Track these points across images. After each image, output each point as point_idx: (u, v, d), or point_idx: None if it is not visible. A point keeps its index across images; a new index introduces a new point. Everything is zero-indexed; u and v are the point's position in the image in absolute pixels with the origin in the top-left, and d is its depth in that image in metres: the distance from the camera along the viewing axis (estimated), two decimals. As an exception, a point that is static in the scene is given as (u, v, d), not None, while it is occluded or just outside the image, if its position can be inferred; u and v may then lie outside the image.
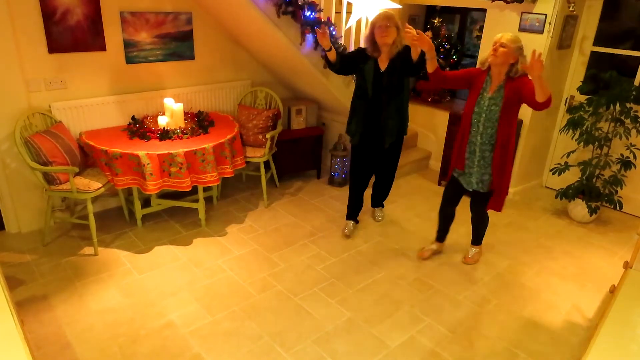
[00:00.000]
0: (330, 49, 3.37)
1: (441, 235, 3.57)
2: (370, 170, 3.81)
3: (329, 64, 3.48)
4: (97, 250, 3.37)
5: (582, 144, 4.01)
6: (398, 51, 3.36)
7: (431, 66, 3.04)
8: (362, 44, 4.20)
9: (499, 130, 2.95)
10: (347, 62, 3.48)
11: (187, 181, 3.40)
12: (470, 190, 3.20)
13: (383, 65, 3.39)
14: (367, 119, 3.52)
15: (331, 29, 3.84)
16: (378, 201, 4.10)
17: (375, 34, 3.29)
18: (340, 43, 3.95)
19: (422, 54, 3.10)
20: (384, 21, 3.25)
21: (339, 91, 4.25)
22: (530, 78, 2.79)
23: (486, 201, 3.21)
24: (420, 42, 2.91)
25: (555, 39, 4.05)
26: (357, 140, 3.59)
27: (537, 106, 2.82)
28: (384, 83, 3.40)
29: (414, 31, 2.93)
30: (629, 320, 1.85)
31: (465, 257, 3.54)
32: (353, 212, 3.86)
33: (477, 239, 3.52)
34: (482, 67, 3.01)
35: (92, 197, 3.28)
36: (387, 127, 3.50)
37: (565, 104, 4.58)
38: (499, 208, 3.21)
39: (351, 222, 3.86)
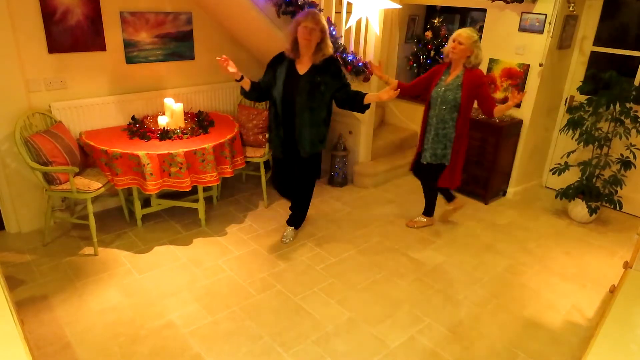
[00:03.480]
0: (241, 79, 3.17)
1: (429, 209, 3.94)
2: (292, 180, 3.53)
3: (244, 94, 3.30)
4: (97, 250, 3.37)
5: (582, 144, 4.01)
6: (325, 59, 3.12)
7: (391, 88, 3.32)
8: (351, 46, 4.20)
9: (460, 113, 3.38)
10: (264, 86, 3.27)
11: (187, 181, 3.40)
12: (425, 163, 3.61)
13: (302, 69, 3.14)
14: (282, 126, 3.25)
15: (331, 28, 3.84)
16: (291, 220, 3.73)
17: (298, 33, 3.04)
18: (341, 43, 3.95)
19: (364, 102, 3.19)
20: (310, 23, 2.99)
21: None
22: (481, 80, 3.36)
23: (435, 174, 3.62)
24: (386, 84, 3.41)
25: (555, 39, 4.05)
26: (280, 152, 3.35)
27: (487, 114, 3.40)
28: (300, 87, 3.11)
29: (375, 66, 3.46)
30: (629, 320, 1.84)
31: (410, 220, 3.98)
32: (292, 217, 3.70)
33: (426, 210, 3.94)
34: (447, 60, 3.43)
35: (92, 197, 3.28)
36: (302, 136, 3.21)
37: (565, 104, 4.58)
38: (452, 185, 3.64)
39: (290, 228, 3.70)
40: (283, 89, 3.14)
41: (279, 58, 3.21)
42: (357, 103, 3.20)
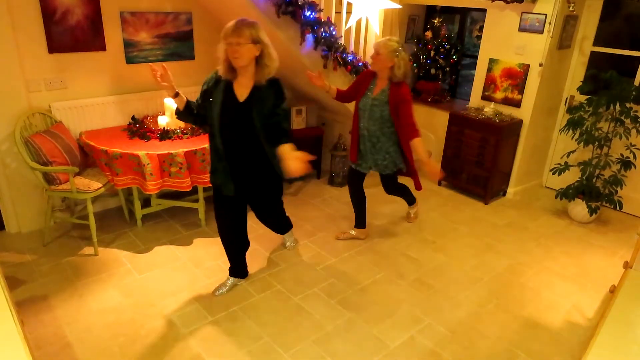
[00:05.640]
0: (176, 95, 2.55)
1: (359, 220, 3.71)
2: (243, 221, 2.95)
3: (178, 114, 2.65)
4: (97, 250, 3.37)
5: (582, 144, 4.01)
6: (270, 79, 2.51)
7: (331, 96, 3.38)
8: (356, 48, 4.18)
9: (395, 125, 3.19)
10: (200, 112, 2.64)
11: (187, 181, 3.40)
12: (366, 173, 3.49)
13: (242, 93, 2.52)
14: (227, 161, 2.64)
15: (331, 28, 3.84)
16: (280, 231, 3.43)
17: (227, 52, 2.43)
18: (340, 43, 3.95)
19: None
20: (234, 37, 2.37)
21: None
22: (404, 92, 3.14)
23: (390, 180, 3.56)
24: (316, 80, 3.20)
25: (555, 39, 4.05)
26: (231, 188, 2.70)
27: (400, 135, 3.21)
28: (242, 117, 2.51)
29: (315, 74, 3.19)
30: (629, 320, 1.84)
31: (408, 217, 4.03)
32: (234, 268, 3.07)
33: (409, 201, 3.91)
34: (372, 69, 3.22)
35: (92, 197, 3.28)
36: (255, 177, 2.70)
37: (565, 104, 4.58)
38: (419, 187, 3.53)
39: (231, 280, 3.06)
40: (221, 120, 2.53)
41: (216, 79, 2.59)
42: (274, 139, 2.50)
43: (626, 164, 3.94)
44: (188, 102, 2.64)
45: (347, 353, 2.57)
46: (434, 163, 3.18)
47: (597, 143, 3.99)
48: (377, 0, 3.64)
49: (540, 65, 4.08)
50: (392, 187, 3.64)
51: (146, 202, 3.88)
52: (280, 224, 3.36)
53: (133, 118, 3.80)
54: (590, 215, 4.03)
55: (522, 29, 4.14)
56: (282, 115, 2.56)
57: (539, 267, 3.47)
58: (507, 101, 4.40)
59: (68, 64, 3.55)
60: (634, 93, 3.78)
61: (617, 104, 3.82)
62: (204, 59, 4.28)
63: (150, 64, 2.60)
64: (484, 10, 4.45)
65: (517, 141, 4.44)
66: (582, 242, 3.86)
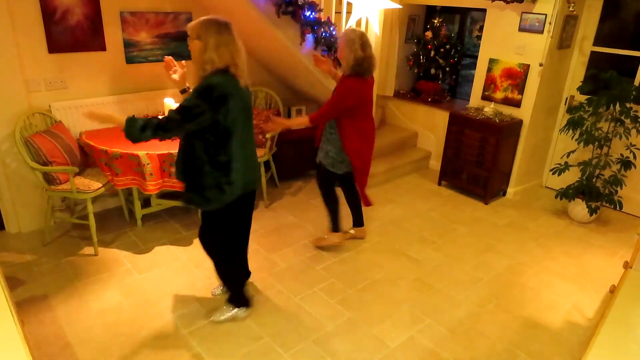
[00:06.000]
0: (184, 91, 2.58)
1: (357, 219, 3.63)
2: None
3: None
4: (97, 250, 3.37)
5: (582, 144, 4.01)
6: (206, 75, 2.24)
7: (336, 82, 3.23)
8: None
9: (337, 119, 3.13)
10: None
11: (187, 181, 3.40)
12: (318, 162, 3.34)
13: None
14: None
15: (331, 28, 3.84)
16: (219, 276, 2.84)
17: None
18: (340, 43, 3.95)
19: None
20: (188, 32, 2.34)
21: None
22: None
23: (328, 177, 3.34)
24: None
25: (555, 39, 4.05)
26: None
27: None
28: None
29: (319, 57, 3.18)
30: (629, 320, 1.84)
31: (317, 238, 3.60)
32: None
33: (356, 219, 3.60)
34: None
35: (92, 197, 3.28)
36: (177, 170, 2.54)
37: (565, 104, 4.58)
38: (365, 202, 3.41)
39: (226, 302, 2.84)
40: None
41: None
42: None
43: (626, 164, 3.94)
44: None
45: (347, 353, 2.57)
46: (277, 124, 3.24)
47: (597, 143, 3.99)
48: (377, 0, 3.63)
49: (540, 65, 4.08)
50: (321, 183, 3.40)
51: (146, 202, 3.88)
52: (216, 266, 2.74)
53: (133, 118, 3.80)
54: (590, 215, 4.03)
55: (522, 29, 4.14)
56: (174, 110, 2.25)
57: (539, 267, 3.47)
58: (507, 101, 4.40)
59: (68, 64, 3.55)
60: (634, 93, 3.78)
61: (617, 104, 3.82)
62: (204, 59, 4.27)
63: (167, 57, 2.60)
64: (484, 10, 4.45)
65: (517, 141, 4.44)
66: (582, 242, 3.86)
